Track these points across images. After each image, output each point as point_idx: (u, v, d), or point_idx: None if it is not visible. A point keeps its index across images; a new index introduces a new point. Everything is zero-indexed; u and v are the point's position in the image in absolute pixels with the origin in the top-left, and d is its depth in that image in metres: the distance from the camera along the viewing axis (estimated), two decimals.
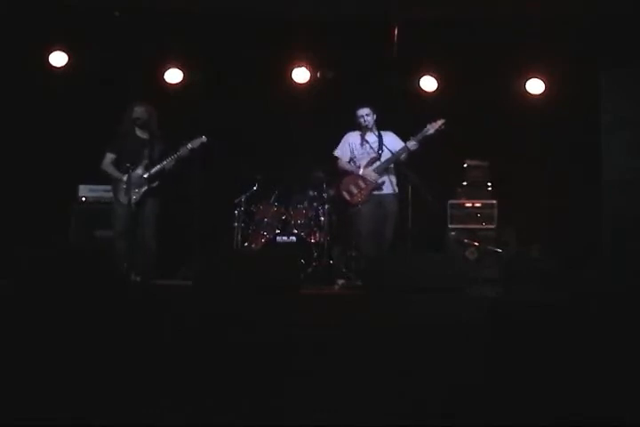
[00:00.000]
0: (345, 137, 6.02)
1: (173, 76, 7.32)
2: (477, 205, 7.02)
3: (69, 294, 3.81)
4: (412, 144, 5.77)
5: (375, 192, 5.83)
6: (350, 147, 5.96)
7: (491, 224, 6.94)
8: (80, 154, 6.66)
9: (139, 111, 5.72)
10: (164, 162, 5.72)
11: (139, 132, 5.78)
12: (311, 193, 6.99)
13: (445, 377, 3.28)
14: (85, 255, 4.51)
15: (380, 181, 5.82)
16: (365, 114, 5.85)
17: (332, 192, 6.79)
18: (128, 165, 5.62)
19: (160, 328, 3.60)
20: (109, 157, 5.76)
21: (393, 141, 5.91)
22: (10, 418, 2.95)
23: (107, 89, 6.99)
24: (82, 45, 7.10)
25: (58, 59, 7.10)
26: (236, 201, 6.84)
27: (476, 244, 6.87)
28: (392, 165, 5.86)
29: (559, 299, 4.05)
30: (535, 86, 7.27)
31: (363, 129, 5.89)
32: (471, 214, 7.01)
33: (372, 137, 5.90)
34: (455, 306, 4.03)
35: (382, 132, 5.93)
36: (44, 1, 6.87)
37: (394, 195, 5.83)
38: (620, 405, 3.00)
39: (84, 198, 6.83)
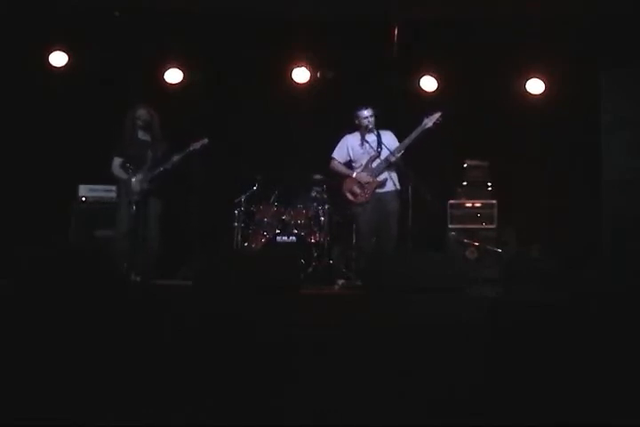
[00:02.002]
0: (343, 140, 6.03)
1: (173, 76, 7.32)
2: (477, 205, 7.02)
3: (69, 294, 3.81)
4: (401, 146, 5.80)
5: (377, 190, 5.84)
6: (349, 149, 5.98)
7: (491, 224, 6.94)
8: (80, 154, 6.67)
9: (141, 113, 5.80)
10: (167, 163, 5.78)
11: (141, 135, 5.84)
12: (311, 193, 6.99)
13: (445, 377, 3.28)
14: (85, 255, 4.51)
15: (381, 178, 5.84)
16: (370, 115, 5.86)
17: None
18: (128, 165, 5.70)
19: (160, 328, 3.60)
20: (117, 160, 5.83)
21: (391, 141, 5.92)
22: (10, 418, 2.95)
23: (107, 89, 6.99)
24: (82, 45, 7.10)
25: (58, 59, 7.10)
26: (236, 201, 6.84)
27: (476, 244, 6.87)
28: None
29: (559, 299, 4.04)
30: (535, 86, 7.26)
31: (363, 129, 5.90)
32: (471, 214, 7.00)
33: (371, 137, 5.90)
34: (455, 306, 4.03)
35: (381, 132, 5.93)
36: (43, 1, 6.87)
37: (395, 191, 5.84)
38: (620, 405, 3.00)
39: (83, 198, 6.83)
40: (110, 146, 5.86)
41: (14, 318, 3.61)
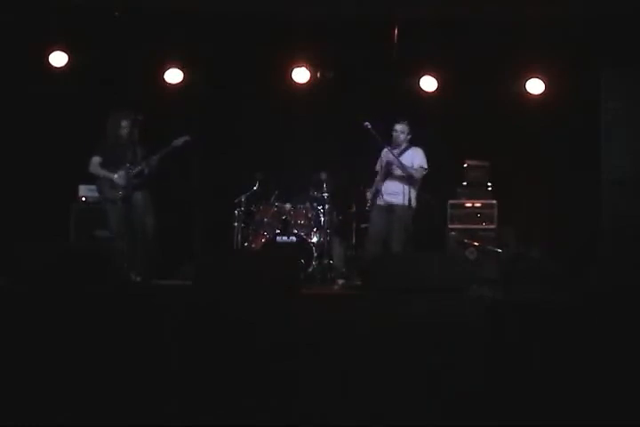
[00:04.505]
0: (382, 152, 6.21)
1: (173, 76, 7.31)
2: (477, 205, 7.03)
3: (69, 293, 3.81)
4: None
5: (388, 200, 5.98)
6: (382, 160, 6.15)
7: (491, 224, 6.95)
8: (80, 154, 6.64)
9: (125, 116, 5.83)
10: (149, 159, 5.83)
11: (123, 137, 5.87)
12: (311, 193, 7.00)
13: (445, 377, 3.28)
14: (85, 255, 4.52)
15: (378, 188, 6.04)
16: (399, 130, 6.05)
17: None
18: (128, 165, 5.77)
19: (160, 328, 3.60)
20: (96, 159, 5.90)
21: (415, 157, 6.02)
22: (10, 418, 2.95)
23: (107, 89, 6.99)
24: (82, 45, 7.08)
25: (58, 59, 7.09)
26: (236, 201, 6.83)
27: (476, 244, 6.87)
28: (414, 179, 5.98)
29: (559, 299, 4.05)
30: (535, 86, 7.25)
31: (393, 142, 6.06)
32: (471, 214, 7.01)
33: (398, 150, 6.04)
34: (455, 306, 4.03)
35: (412, 148, 6.06)
36: (44, 1, 6.87)
37: (405, 206, 5.89)
38: (619, 405, 3.00)
39: (84, 198, 6.84)
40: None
41: (14, 318, 3.61)
